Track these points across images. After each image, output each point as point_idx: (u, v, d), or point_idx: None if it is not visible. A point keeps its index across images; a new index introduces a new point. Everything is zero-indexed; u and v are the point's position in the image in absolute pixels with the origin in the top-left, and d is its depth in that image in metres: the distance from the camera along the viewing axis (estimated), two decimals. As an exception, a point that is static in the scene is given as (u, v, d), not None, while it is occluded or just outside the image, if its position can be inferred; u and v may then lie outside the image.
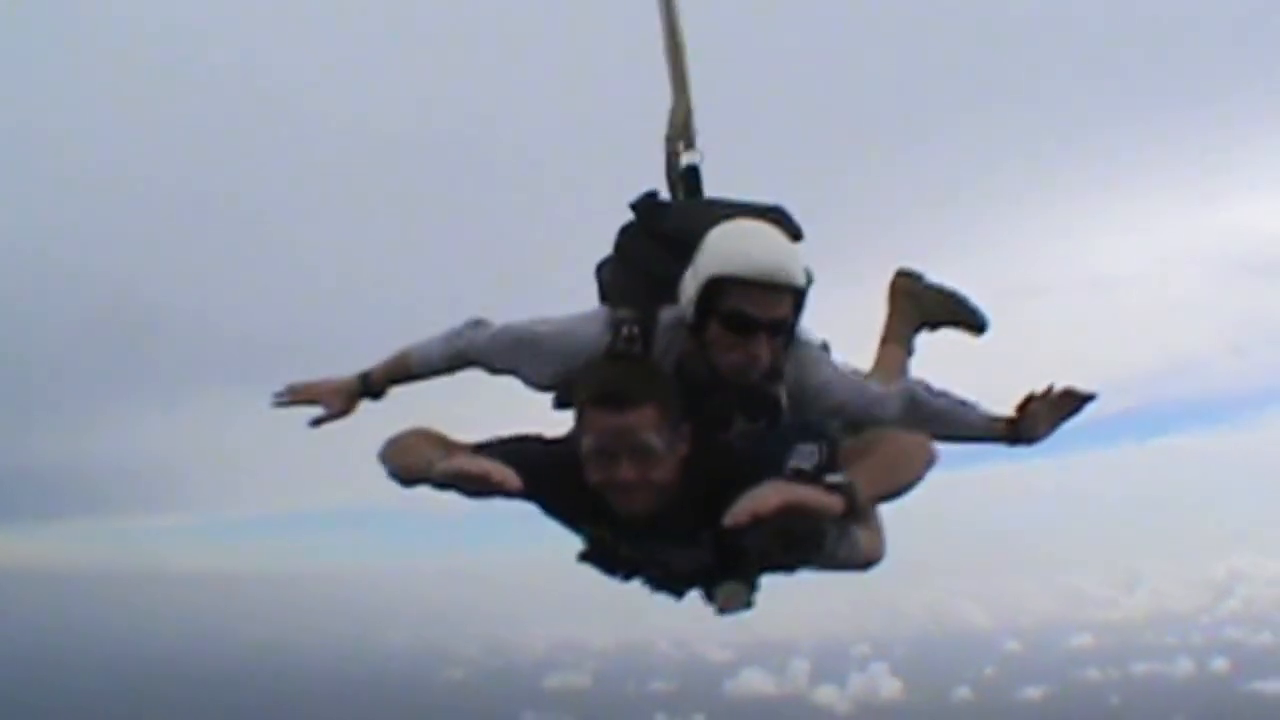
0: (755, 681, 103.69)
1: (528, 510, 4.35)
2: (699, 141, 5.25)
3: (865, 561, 4.58)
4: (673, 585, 4.51)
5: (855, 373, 4.56)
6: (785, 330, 4.10)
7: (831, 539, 4.10)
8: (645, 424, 3.81)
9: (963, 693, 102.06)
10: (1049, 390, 4.59)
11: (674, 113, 5.31)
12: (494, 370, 4.50)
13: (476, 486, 3.69)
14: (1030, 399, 4.57)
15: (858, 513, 3.66)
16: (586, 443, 3.86)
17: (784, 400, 4.31)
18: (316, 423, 4.67)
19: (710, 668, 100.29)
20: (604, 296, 4.77)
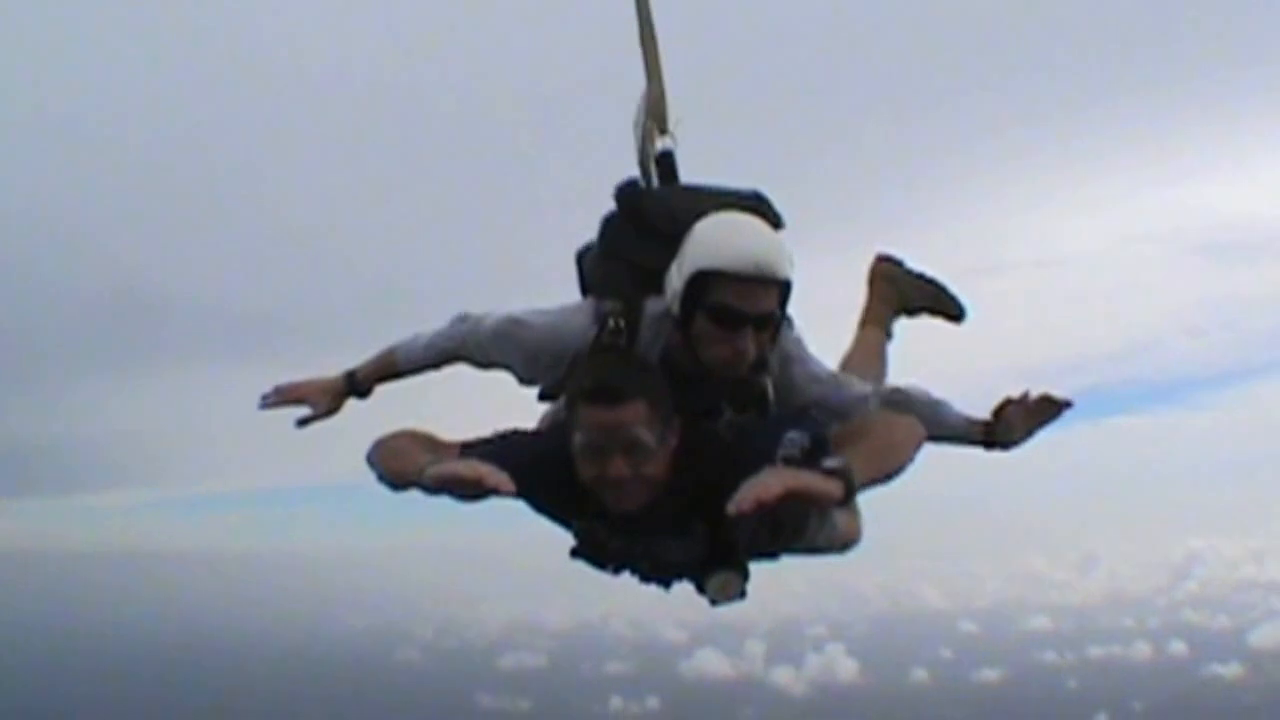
0: (711, 663, 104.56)
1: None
2: (673, 126, 5.07)
3: (844, 543, 4.50)
4: (663, 576, 4.43)
5: (832, 375, 4.55)
6: (772, 324, 4.08)
7: (814, 524, 4.16)
8: (637, 420, 3.81)
9: (919, 675, 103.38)
10: (1025, 396, 4.61)
11: (648, 97, 5.15)
12: (481, 364, 4.46)
13: (470, 490, 3.62)
14: (1007, 403, 4.60)
15: (854, 497, 3.66)
16: (578, 439, 3.86)
17: (770, 391, 4.32)
18: (303, 422, 4.65)
19: (666, 649, 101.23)
20: (585, 286, 4.68)
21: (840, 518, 4.38)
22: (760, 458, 3.66)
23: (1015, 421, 4.60)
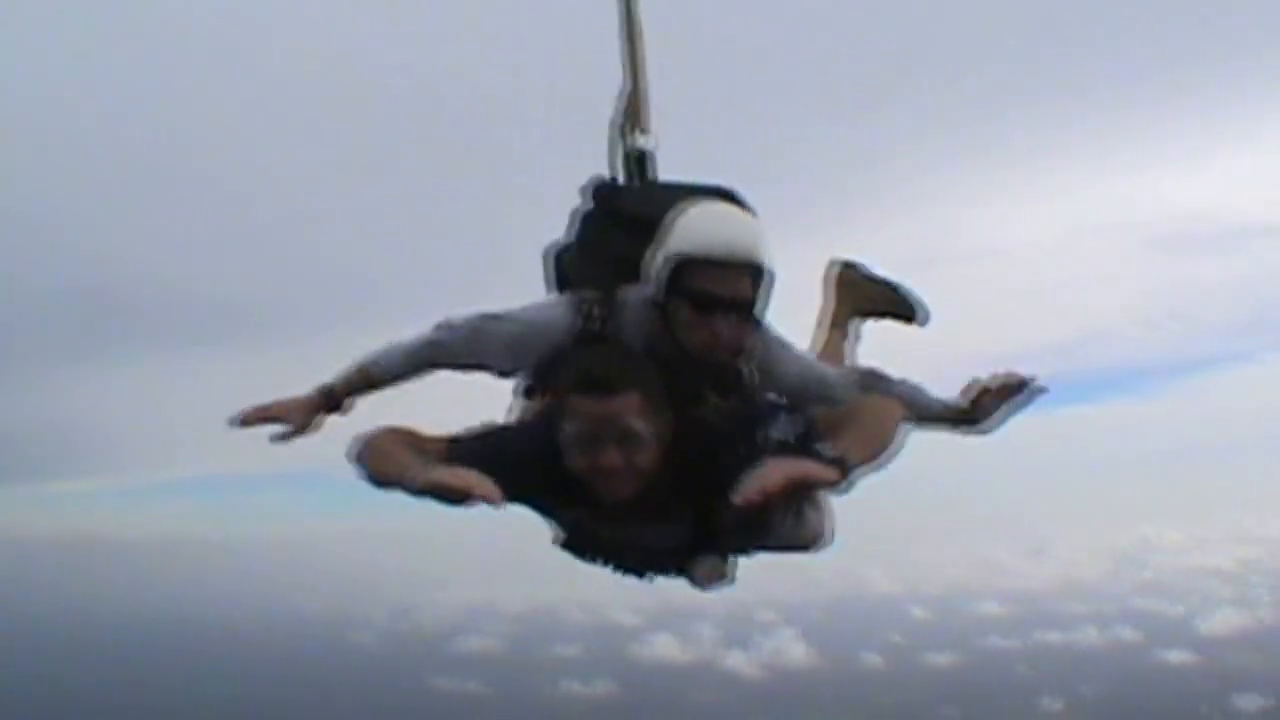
0: (663, 646, 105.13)
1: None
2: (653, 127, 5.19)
3: (814, 541, 4.62)
4: (647, 568, 4.49)
5: (810, 359, 4.66)
6: (751, 309, 4.15)
7: (789, 520, 4.32)
8: (630, 410, 3.80)
9: (870, 659, 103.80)
10: (999, 380, 4.60)
11: (626, 96, 5.23)
12: (460, 366, 4.44)
13: (458, 499, 3.61)
14: (984, 391, 4.59)
15: (850, 482, 3.69)
16: (569, 430, 3.84)
17: (754, 377, 4.34)
18: (280, 439, 4.51)
19: (619, 632, 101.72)
20: (562, 282, 4.71)
21: (812, 515, 4.53)
22: (750, 444, 3.81)
23: (990, 405, 4.62)
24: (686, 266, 4.07)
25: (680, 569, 4.39)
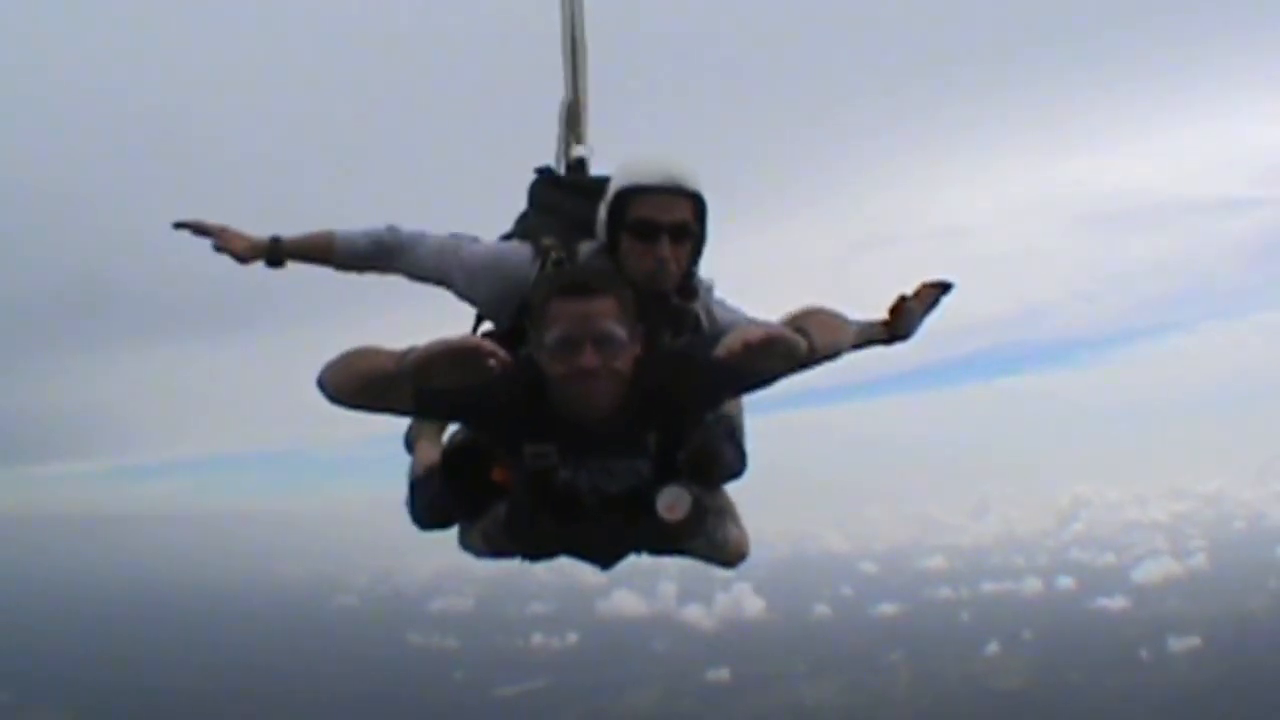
0: (626, 602, 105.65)
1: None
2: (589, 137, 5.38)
3: (735, 556, 4.77)
4: (604, 548, 4.55)
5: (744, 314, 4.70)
6: (688, 234, 4.28)
7: (710, 525, 4.43)
8: (608, 312, 3.85)
9: (821, 610, 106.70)
10: (917, 289, 4.79)
11: (567, 105, 5.45)
12: (418, 276, 4.55)
13: (463, 366, 3.59)
14: (902, 300, 4.73)
15: (816, 359, 3.86)
16: (551, 335, 3.85)
17: (704, 317, 4.50)
18: (217, 250, 4.47)
19: (584, 590, 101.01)
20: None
21: (732, 531, 4.66)
22: (709, 361, 3.75)
23: (910, 313, 4.75)
24: (628, 198, 4.21)
25: (634, 519, 4.25)
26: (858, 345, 4.61)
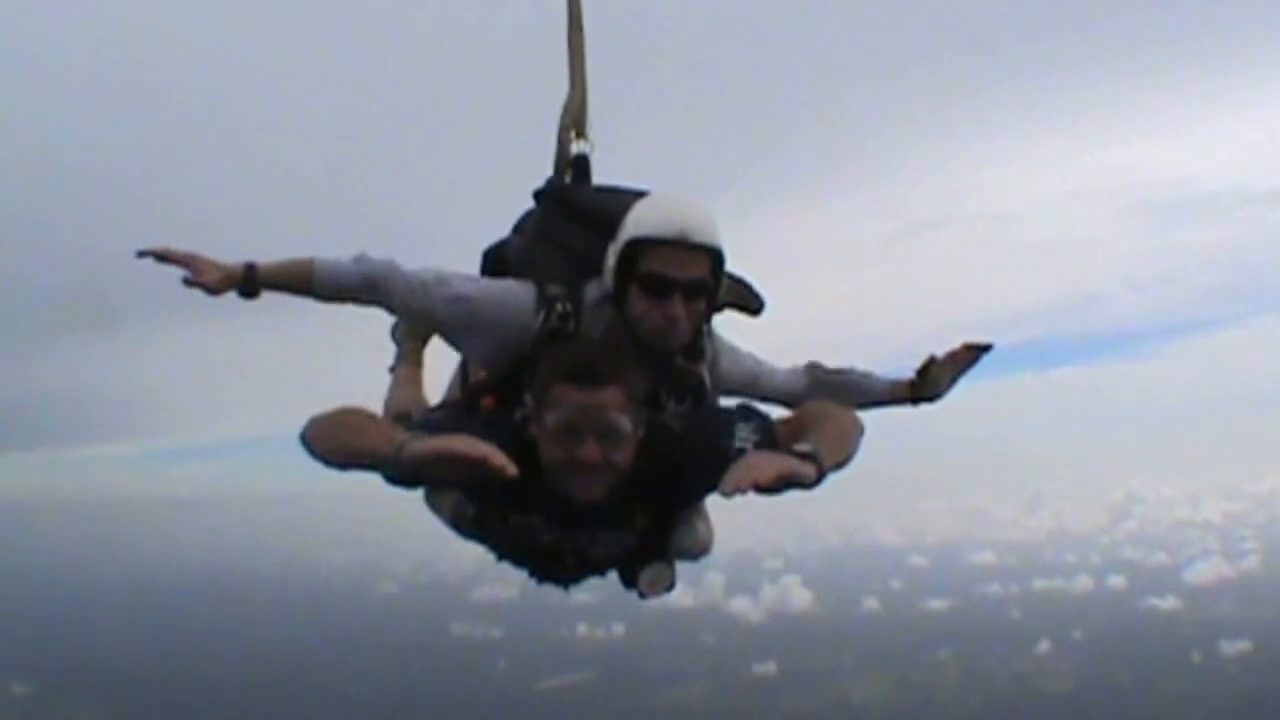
0: (673, 593, 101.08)
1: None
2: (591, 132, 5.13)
3: (699, 554, 4.53)
4: (578, 575, 4.40)
5: (755, 357, 4.65)
6: (703, 293, 4.06)
7: (683, 529, 4.28)
8: (616, 404, 3.65)
9: (870, 604, 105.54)
10: (950, 353, 4.67)
11: (570, 101, 5.14)
12: (403, 312, 4.36)
13: (465, 471, 3.36)
14: (931, 362, 4.62)
15: (823, 480, 3.62)
16: (553, 419, 3.65)
17: (708, 381, 4.32)
18: (187, 283, 3.99)
19: None
20: (516, 274, 4.46)
21: (700, 525, 4.41)
22: (715, 451, 3.71)
23: (939, 374, 4.62)
24: (640, 249, 3.98)
25: (602, 575, 4.30)
26: (881, 403, 4.66)
